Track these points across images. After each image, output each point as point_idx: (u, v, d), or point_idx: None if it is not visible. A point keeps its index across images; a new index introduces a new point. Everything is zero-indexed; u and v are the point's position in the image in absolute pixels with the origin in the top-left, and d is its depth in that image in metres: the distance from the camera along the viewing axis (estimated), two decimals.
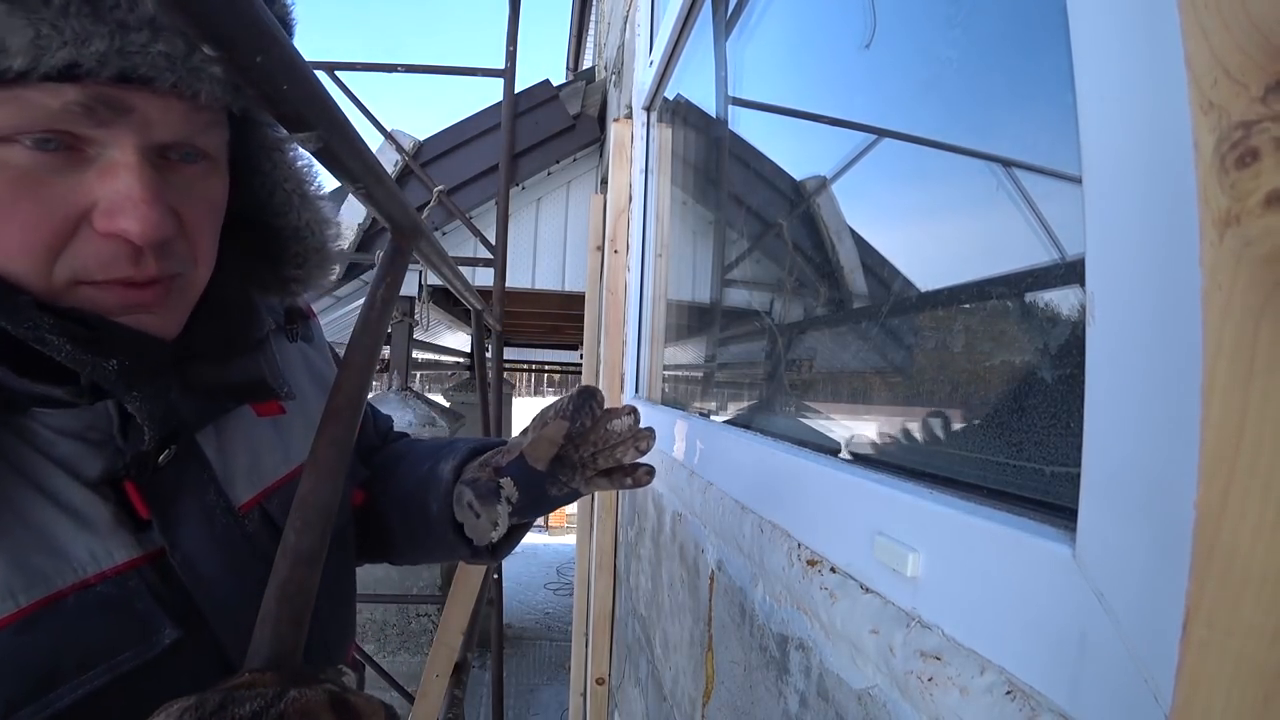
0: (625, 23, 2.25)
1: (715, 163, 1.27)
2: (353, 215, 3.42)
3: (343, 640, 0.63)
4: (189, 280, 0.44)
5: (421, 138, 3.63)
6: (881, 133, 0.66)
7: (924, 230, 0.59)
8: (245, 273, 0.51)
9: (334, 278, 0.53)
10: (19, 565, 0.38)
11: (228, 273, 0.48)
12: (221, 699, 0.31)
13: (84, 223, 0.37)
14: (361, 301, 0.64)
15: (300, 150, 0.52)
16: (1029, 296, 0.43)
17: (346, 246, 3.44)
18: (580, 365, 3.82)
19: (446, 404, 5.18)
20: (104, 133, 0.37)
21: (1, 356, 0.38)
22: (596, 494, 1.88)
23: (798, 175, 0.89)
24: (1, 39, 0.32)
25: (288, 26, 0.44)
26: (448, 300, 4.39)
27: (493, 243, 3.49)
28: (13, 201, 0.35)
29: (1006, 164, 0.45)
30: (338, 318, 4.45)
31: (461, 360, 6.72)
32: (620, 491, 1.77)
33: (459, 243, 3.61)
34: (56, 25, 0.33)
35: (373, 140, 3.42)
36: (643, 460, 0.61)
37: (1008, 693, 0.33)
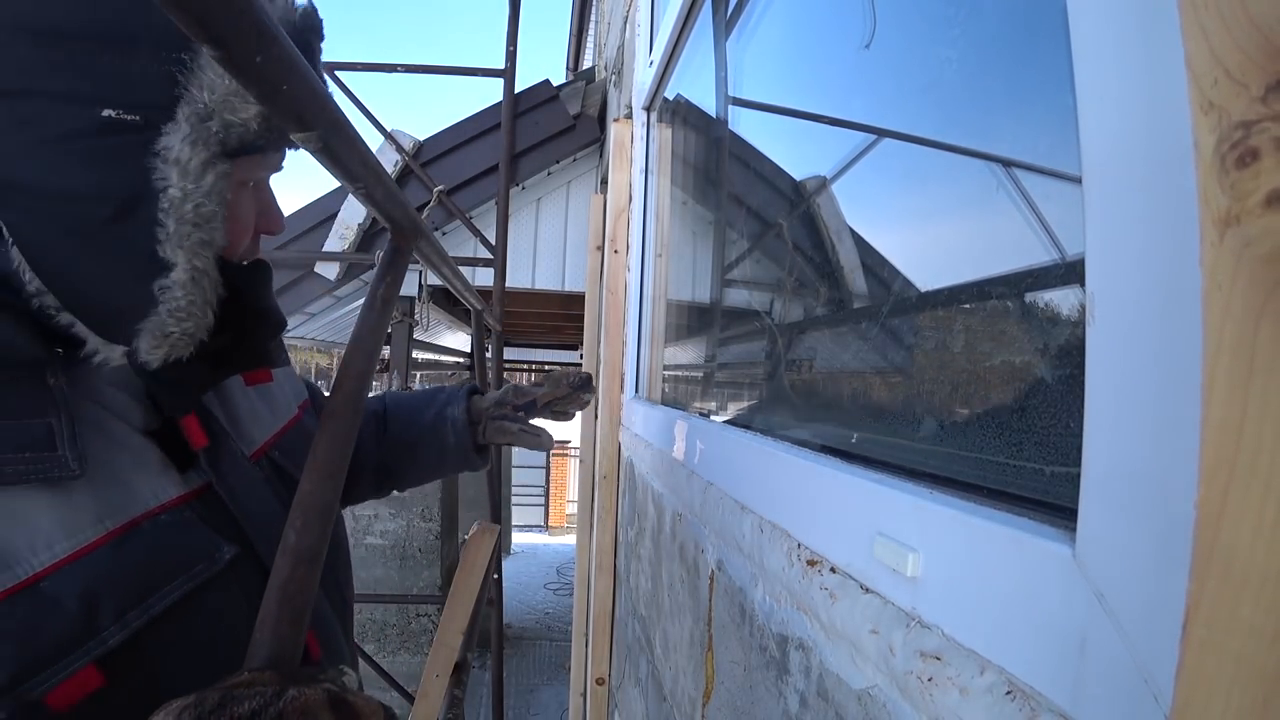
0: (625, 23, 2.25)
1: (715, 163, 1.27)
2: (353, 215, 3.43)
3: (343, 576, 0.75)
4: None
5: (421, 138, 3.62)
6: (881, 133, 0.66)
7: (924, 230, 0.59)
8: None
9: None
10: (101, 498, 0.47)
11: None
12: (220, 697, 0.32)
13: None
14: (361, 301, 0.64)
15: None
16: (1029, 296, 0.43)
17: (346, 247, 3.45)
18: (580, 365, 3.82)
19: None
20: None
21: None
22: (597, 496, 1.89)
23: (798, 175, 0.89)
24: (283, 137, 0.51)
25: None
26: (448, 300, 4.39)
27: (493, 243, 3.49)
28: (248, 218, 0.56)
29: (1006, 164, 0.45)
30: (338, 317, 4.46)
31: (461, 360, 6.72)
32: (620, 491, 1.77)
33: (459, 243, 3.60)
34: None
35: (373, 140, 3.42)
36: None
37: (1008, 693, 0.33)
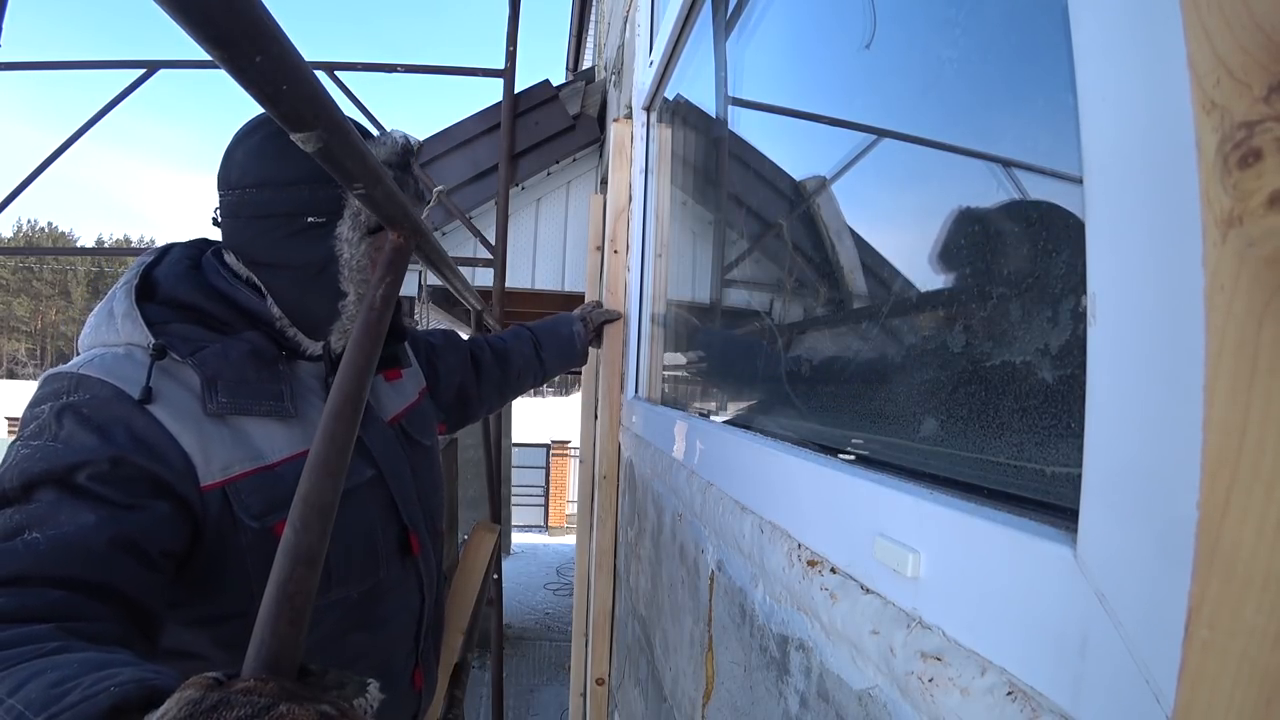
0: (625, 23, 2.25)
1: (715, 163, 1.27)
2: None
3: (438, 513, 1.09)
4: None
5: (421, 138, 3.61)
6: (881, 133, 0.66)
7: (924, 230, 0.59)
8: None
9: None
10: (309, 432, 0.83)
11: None
12: (218, 700, 0.33)
13: None
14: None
15: None
16: (1029, 296, 0.43)
17: None
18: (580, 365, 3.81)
19: None
20: None
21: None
22: (597, 496, 1.89)
23: (798, 175, 0.89)
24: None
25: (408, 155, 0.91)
26: (448, 300, 4.38)
27: (493, 243, 3.48)
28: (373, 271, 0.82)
29: (1006, 164, 0.45)
30: None
31: None
32: (620, 491, 1.77)
33: (459, 243, 3.60)
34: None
35: None
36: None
37: (1009, 694, 0.33)
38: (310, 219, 0.82)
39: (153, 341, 0.76)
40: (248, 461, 0.78)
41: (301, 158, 0.80)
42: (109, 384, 0.71)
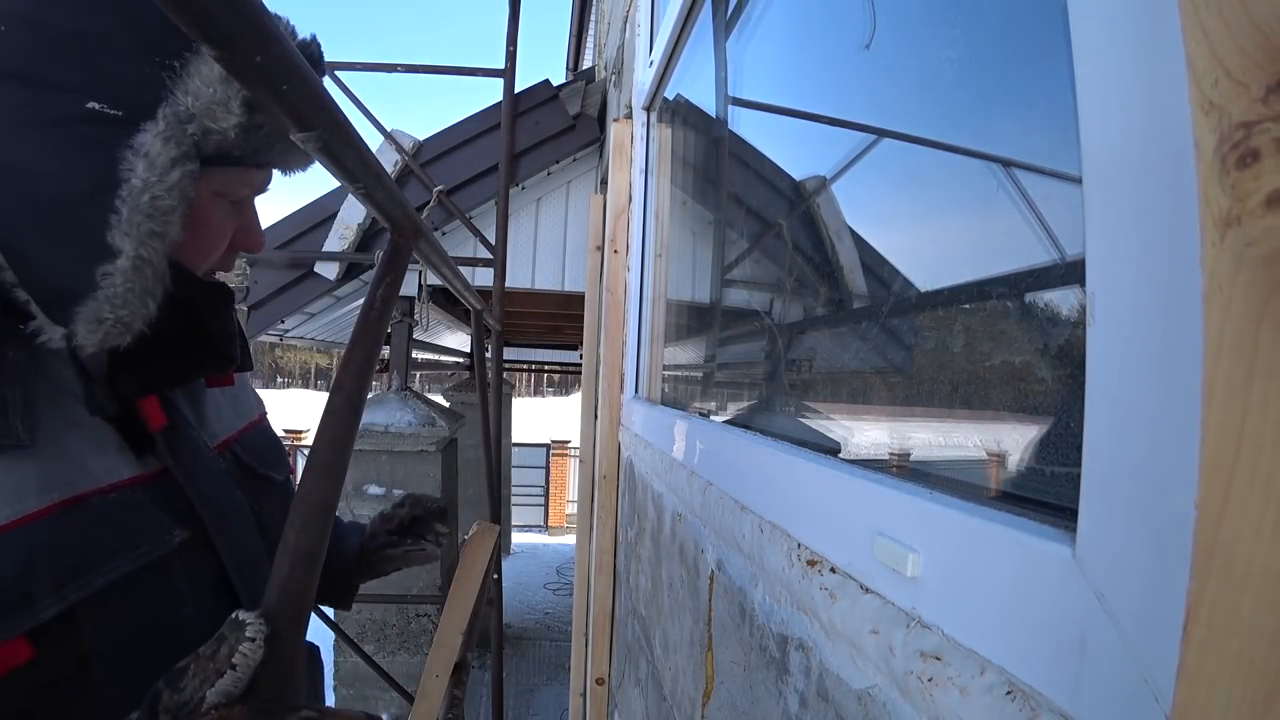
0: (625, 23, 2.25)
1: (715, 163, 1.27)
2: (353, 215, 3.42)
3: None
4: None
5: (421, 138, 3.62)
6: (881, 133, 0.66)
7: (924, 230, 0.59)
8: None
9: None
10: (49, 471, 0.47)
11: None
12: None
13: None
14: (361, 301, 0.65)
15: None
16: (1029, 296, 0.43)
17: (346, 247, 3.44)
18: (580, 365, 3.82)
19: (446, 404, 5.18)
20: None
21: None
22: (597, 496, 1.89)
23: (798, 175, 0.89)
24: (260, 152, 0.54)
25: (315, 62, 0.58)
26: (448, 300, 4.39)
27: (492, 243, 3.49)
28: (220, 230, 0.58)
29: (1006, 164, 0.45)
30: (338, 317, 4.45)
31: (461, 360, 6.72)
32: (620, 491, 1.77)
33: (459, 243, 3.61)
34: (272, 146, 0.54)
35: (373, 140, 3.42)
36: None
37: (1008, 693, 0.33)
38: (94, 105, 0.46)
39: None
40: None
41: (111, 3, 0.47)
42: None
